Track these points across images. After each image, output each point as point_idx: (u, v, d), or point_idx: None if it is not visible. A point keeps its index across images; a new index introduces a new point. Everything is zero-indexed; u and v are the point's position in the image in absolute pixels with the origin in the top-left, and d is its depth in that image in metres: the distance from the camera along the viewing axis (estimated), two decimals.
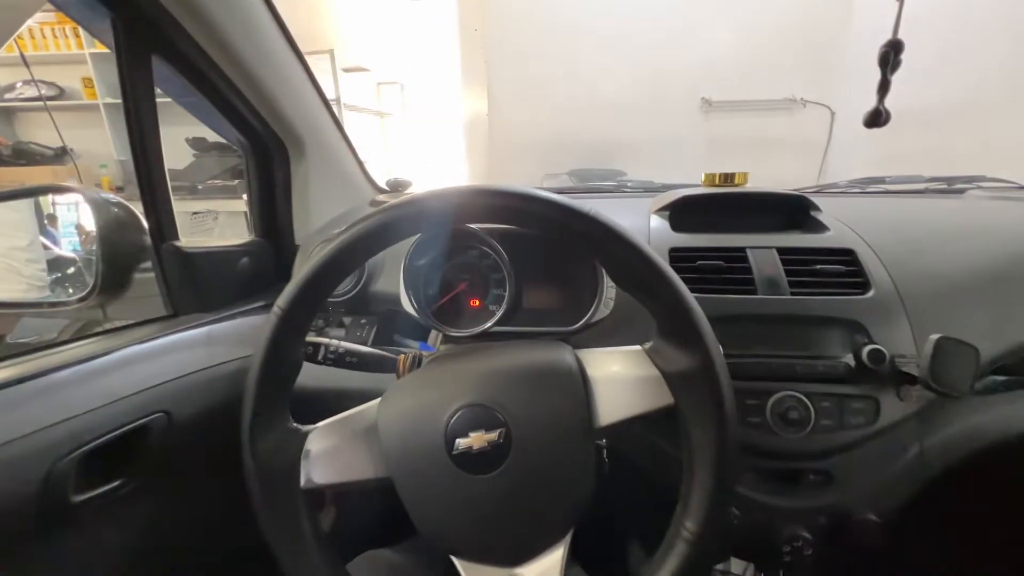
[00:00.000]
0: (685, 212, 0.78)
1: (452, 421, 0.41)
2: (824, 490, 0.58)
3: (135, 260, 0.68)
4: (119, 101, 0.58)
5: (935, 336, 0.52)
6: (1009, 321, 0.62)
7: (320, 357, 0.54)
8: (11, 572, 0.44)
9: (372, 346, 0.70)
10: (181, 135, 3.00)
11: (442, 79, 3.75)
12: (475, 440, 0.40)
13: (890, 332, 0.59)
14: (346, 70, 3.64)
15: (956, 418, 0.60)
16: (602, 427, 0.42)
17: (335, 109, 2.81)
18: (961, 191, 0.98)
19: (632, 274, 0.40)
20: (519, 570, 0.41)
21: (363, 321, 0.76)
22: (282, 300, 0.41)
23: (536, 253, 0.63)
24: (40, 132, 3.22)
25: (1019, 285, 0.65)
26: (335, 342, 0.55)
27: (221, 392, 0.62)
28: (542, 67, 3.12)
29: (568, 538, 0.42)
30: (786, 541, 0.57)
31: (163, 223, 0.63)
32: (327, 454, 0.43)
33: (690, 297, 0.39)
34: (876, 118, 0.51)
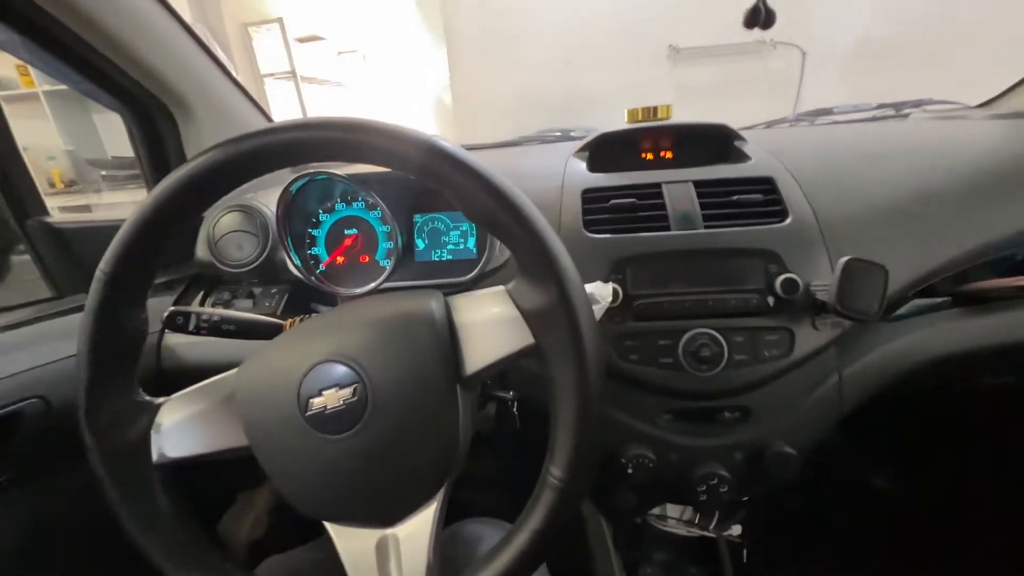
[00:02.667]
0: (607, 152, 0.74)
1: (304, 380, 0.38)
2: (741, 426, 0.57)
3: (8, 242, 0.63)
4: (61, 88, 0.52)
5: (844, 259, 0.50)
6: (935, 240, 0.60)
7: (192, 327, 0.50)
8: None
9: (282, 315, 0.66)
10: None
11: (401, 44, 3.59)
12: (328, 399, 0.37)
13: (806, 260, 0.56)
14: (300, 40, 3.46)
15: (875, 345, 0.58)
16: (470, 375, 0.39)
17: (293, 82, 2.65)
18: (906, 115, 0.94)
19: (480, 206, 0.36)
20: (391, 530, 0.39)
21: (273, 291, 0.72)
22: (103, 262, 0.37)
23: (427, 200, 0.59)
24: None
25: (948, 202, 0.62)
26: (209, 310, 0.51)
27: None
28: (504, 23, 2.99)
29: (441, 494, 0.40)
30: (701, 480, 0.55)
31: (22, 197, 0.57)
32: (180, 426, 0.40)
33: (543, 226, 0.35)
34: (755, 16, 0.46)
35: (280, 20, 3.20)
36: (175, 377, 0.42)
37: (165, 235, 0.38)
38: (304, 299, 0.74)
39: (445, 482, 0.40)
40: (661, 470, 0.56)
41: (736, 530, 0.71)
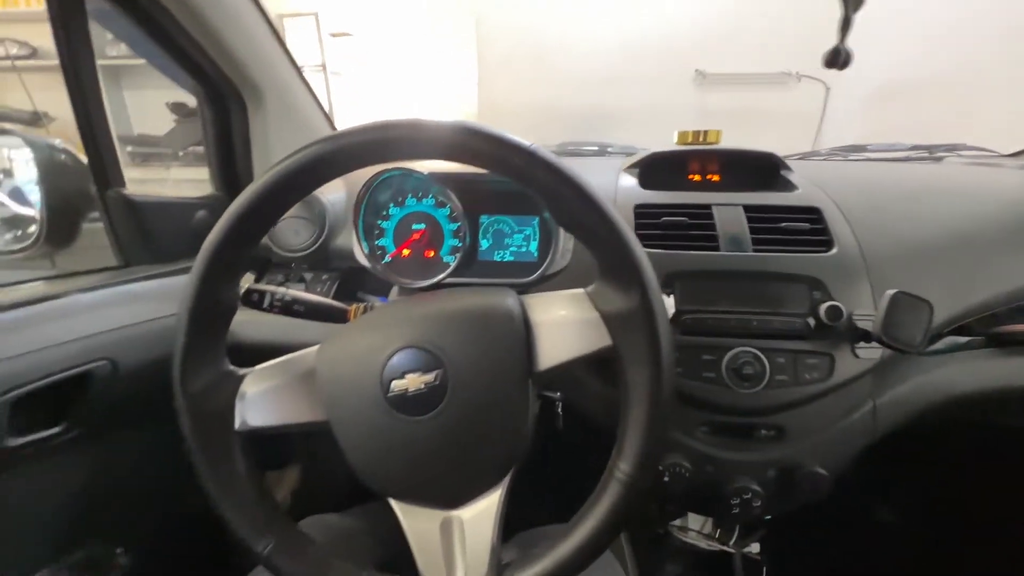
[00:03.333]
0: (656, 170, 0.76)
1: (388, 363, 0.40)
2: (775, 444, 0.59)
3: (83, 208, 0.66)
4: (98, 63, 0.55)
5: (891, 291, 0.52)
6: (971, 281, 0.62)
7: (266, 304, 0.52)
8: None
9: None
10: (163, 99, 2.90)
11: (431, 49, 3.64)
12: (411, 382, 0.39)
13: (850, 290, 0.58)
14: (334, 35, 3.52)
15: (910, 376, 0.60)
16: (542, 370, 0.41)
17: (323, 75, 2.69)
18: (940, 159, 0.97)
19: (572, 213, 0.39)
20: (456, 512, 0.41)
21: (324, 277, 0.75)
22: (211, 236, 0.40)
23: (495, 202, 0.62)
24: (12, 95, 3.10)
25: (983, 246, 0.64)
26: (282, 289, 0.53)
27: (172, 343, 0.61)
28: (534, 39, 3.04)
29: (507, 481, 0.42)
30: (735, 494, 0.57)
31: (107, 168, 0.60)
32: (263, 396, 0.42)
33: (631, 237, 0.38)
34: (835, 57, 0.49)
35: (315, 14, 3.25)
36: (233, 353, 0.44)
37: (270, 217, 0.41)
38: (352, 287, 0.76)
39: (511, 469, 0.42)
40: (696, 480, 0.58)
41: (755, 547, 0.72)
